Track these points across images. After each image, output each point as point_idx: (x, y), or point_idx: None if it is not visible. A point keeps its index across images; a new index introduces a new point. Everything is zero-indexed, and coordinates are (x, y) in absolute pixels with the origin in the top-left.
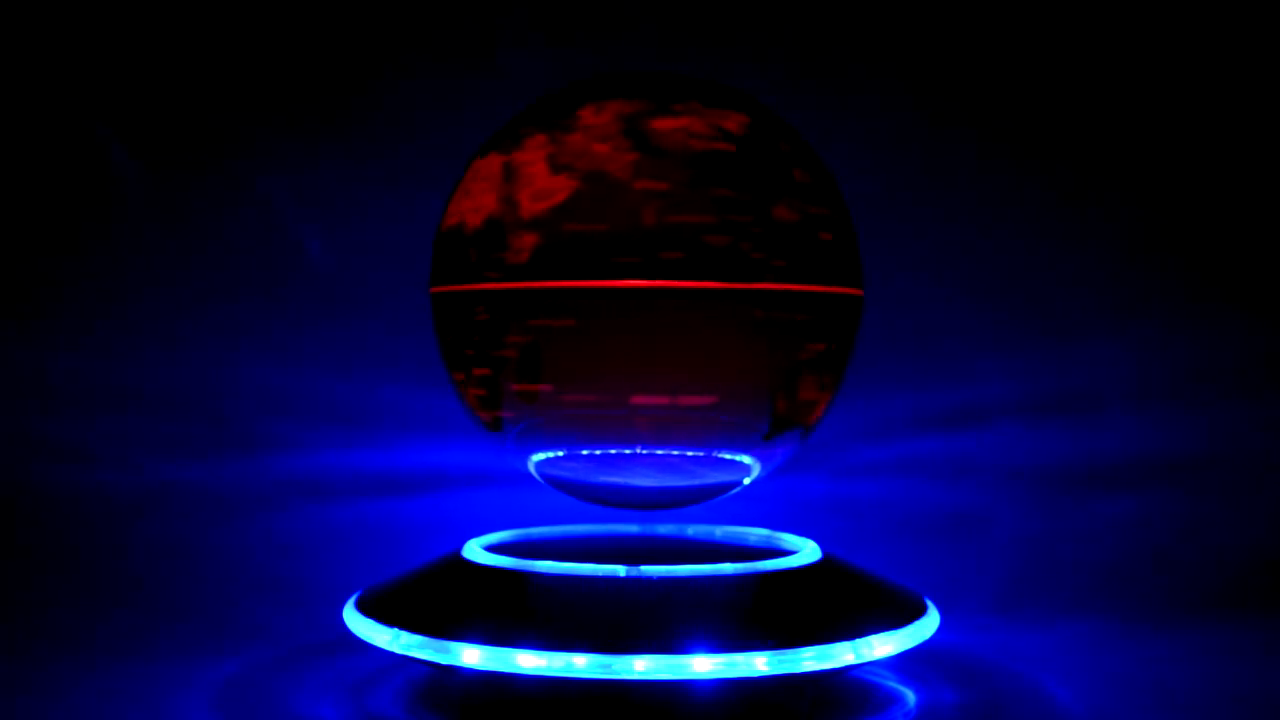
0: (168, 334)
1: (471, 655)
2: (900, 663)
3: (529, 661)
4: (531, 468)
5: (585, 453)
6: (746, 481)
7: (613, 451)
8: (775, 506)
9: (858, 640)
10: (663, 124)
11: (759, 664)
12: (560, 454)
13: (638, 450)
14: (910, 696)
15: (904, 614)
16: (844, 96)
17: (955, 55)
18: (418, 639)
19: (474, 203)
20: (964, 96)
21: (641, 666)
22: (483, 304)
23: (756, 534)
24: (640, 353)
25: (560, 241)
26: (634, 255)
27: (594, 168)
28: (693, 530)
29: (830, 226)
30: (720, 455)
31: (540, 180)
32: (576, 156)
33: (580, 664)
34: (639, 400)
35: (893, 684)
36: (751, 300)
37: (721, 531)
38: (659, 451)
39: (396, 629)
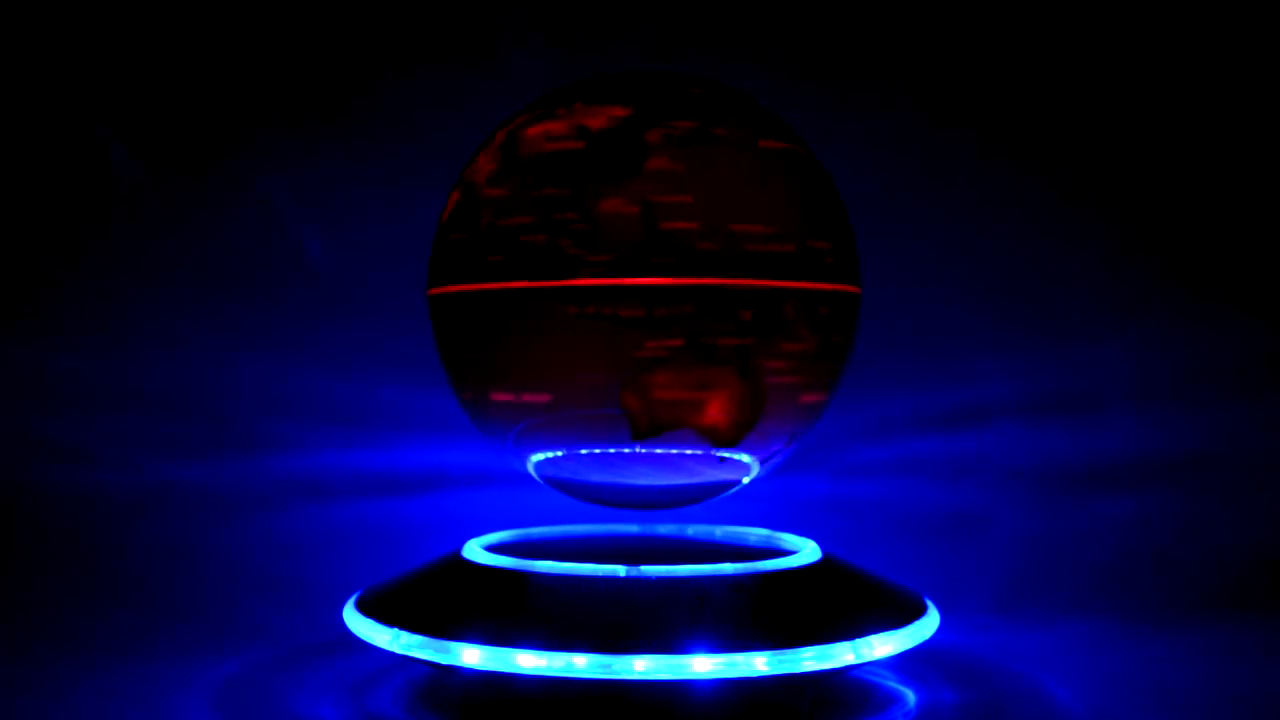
0: (168, 334)
1: (471, 655)
2: (900, 663)
3: (529, 661)
4: (531, 468)
5: (585, 452)
6: (746, 481)
7: (612, 451)
8: (775, 506)
9: (858, 640)
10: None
11: (759, 664)
12: (560, 454)
13: (637, 450)
14: (910, 696)
15: (904, 614)
16: (844, 96)
17: (955, 55)
18: (418, 639)
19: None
20: (964, 96)
21: (641, 666)
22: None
23: (756, 534)
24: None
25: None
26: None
27: None
28: (693, 530)
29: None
30: (720, 455)
31: None
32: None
33: (580, 664)
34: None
35: (893, 684)
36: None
37: (721, 531)
38: (658, 451)
39: (396, 629)
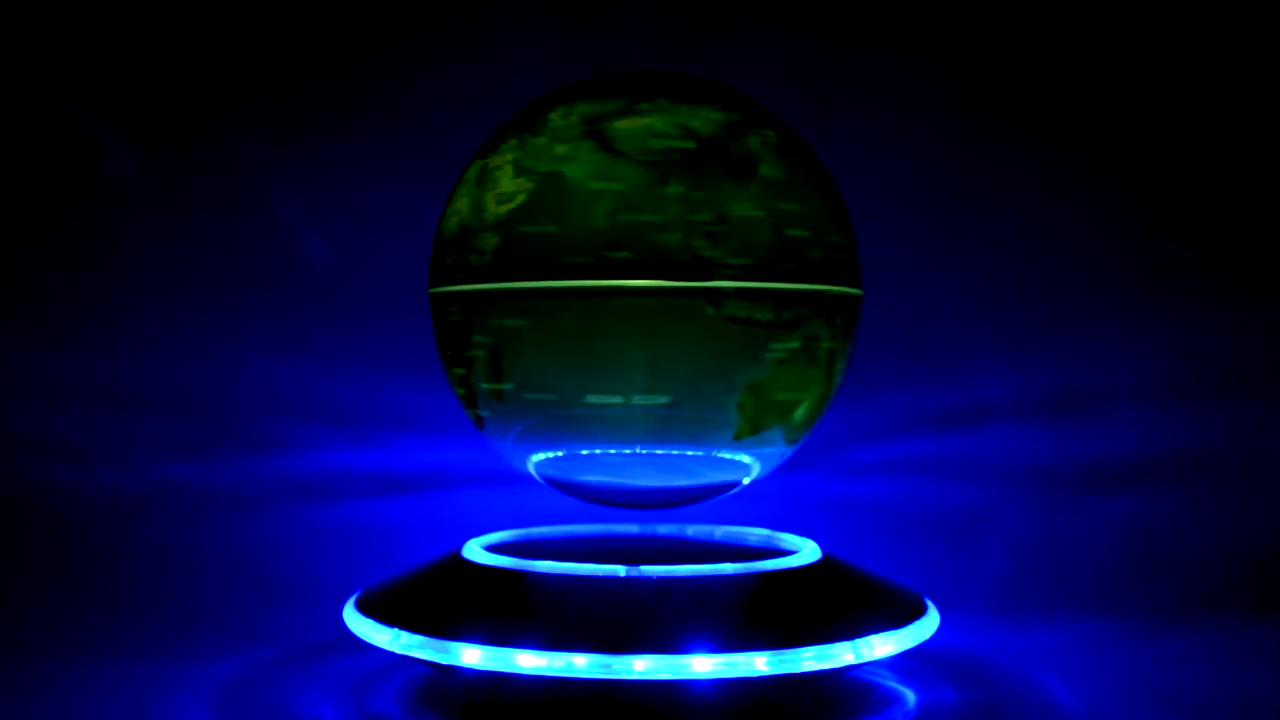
0: (168, 334)
1: (471, 655)
2: (900, 663)
3: (529, 661)
4: (531, 468)
5: (585, 452)
6: (746, 481)
7: (612, 451)
8: (775, 506)
9: (858, 640)
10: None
11: (759, 664)
12: (560, 454)
13: (637, 450)
14: (910, 696)
15: (904, 614)
16: (844, 96)
17: (956, 55)
18: (418, 639)
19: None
20: (965, 96)
21: (641, 666)
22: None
23: (756, 534)
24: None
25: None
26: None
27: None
28: (693, 530)
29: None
30: (720, 455)
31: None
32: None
33: (580, 664)
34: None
35: (893, 684)
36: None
37: (721, 531)
38: (658, 451)
39: (396, 629)
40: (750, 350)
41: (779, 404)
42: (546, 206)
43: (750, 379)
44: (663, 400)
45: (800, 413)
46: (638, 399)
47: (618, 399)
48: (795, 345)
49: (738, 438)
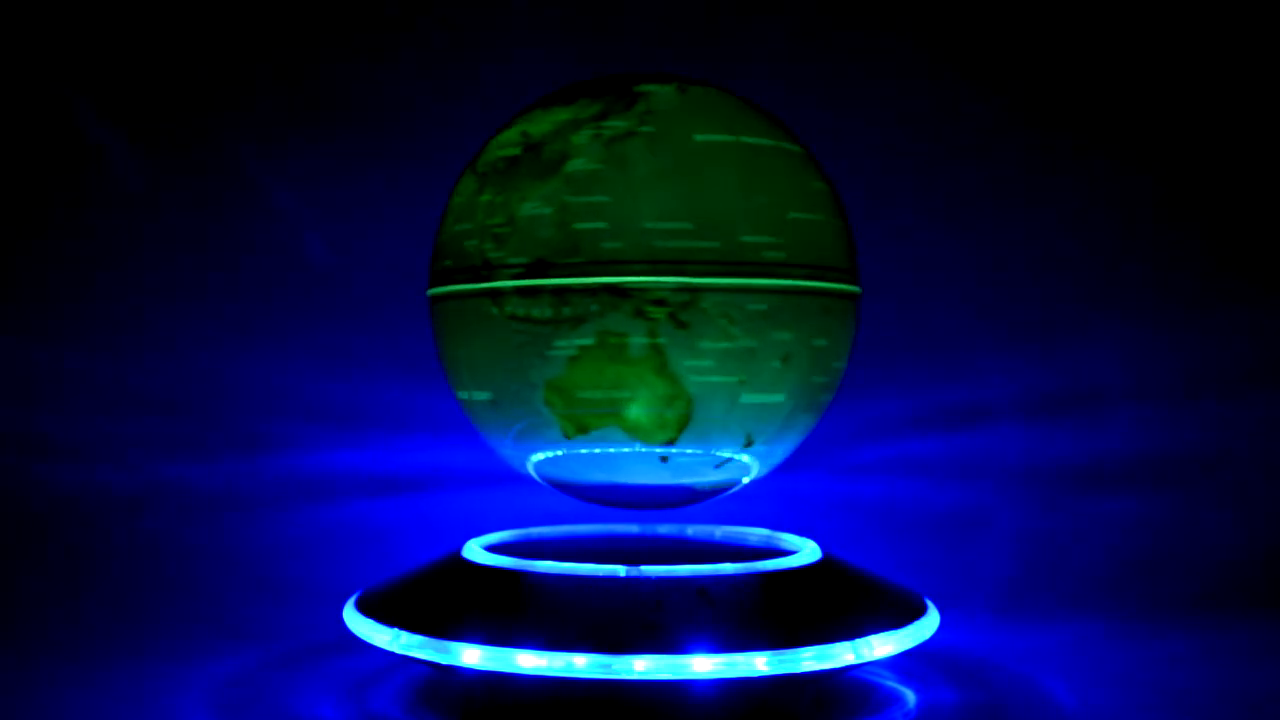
0: (168, 334)
1: (471, 655)
2: (900, 663)
3: (529, 661)
4: (531, 468)
5: (585, 452)
6: (746, 481)
7: (612, 451)
8: (775, 506)
9: (858, 640)
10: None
11: (759, 664)
12: (560, 454)
13: (637, 450)
14: (910, 696)
15: (904, 614)
16: (845, 95)
17: (956, 54)
18: (418, 639)
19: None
20: (965, 96)
21: (641, 666)
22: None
23: (756, 534)
24: None
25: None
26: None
27: None
28: (693, 530)
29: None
30: (720, 454)
31: None
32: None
33: (580, 664)
34: None
35: (893, 684)
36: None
37: (721, 531)
38: (659, 451)
39: (396, 629)
40: (536, 347)
41: (591, 402)
42: None
43: (546, 377)
44: (485, 396)
45: (636, 412)
46: (476, 394)
47: (464, 394)
48: (587, 342)
49: (568, 436)
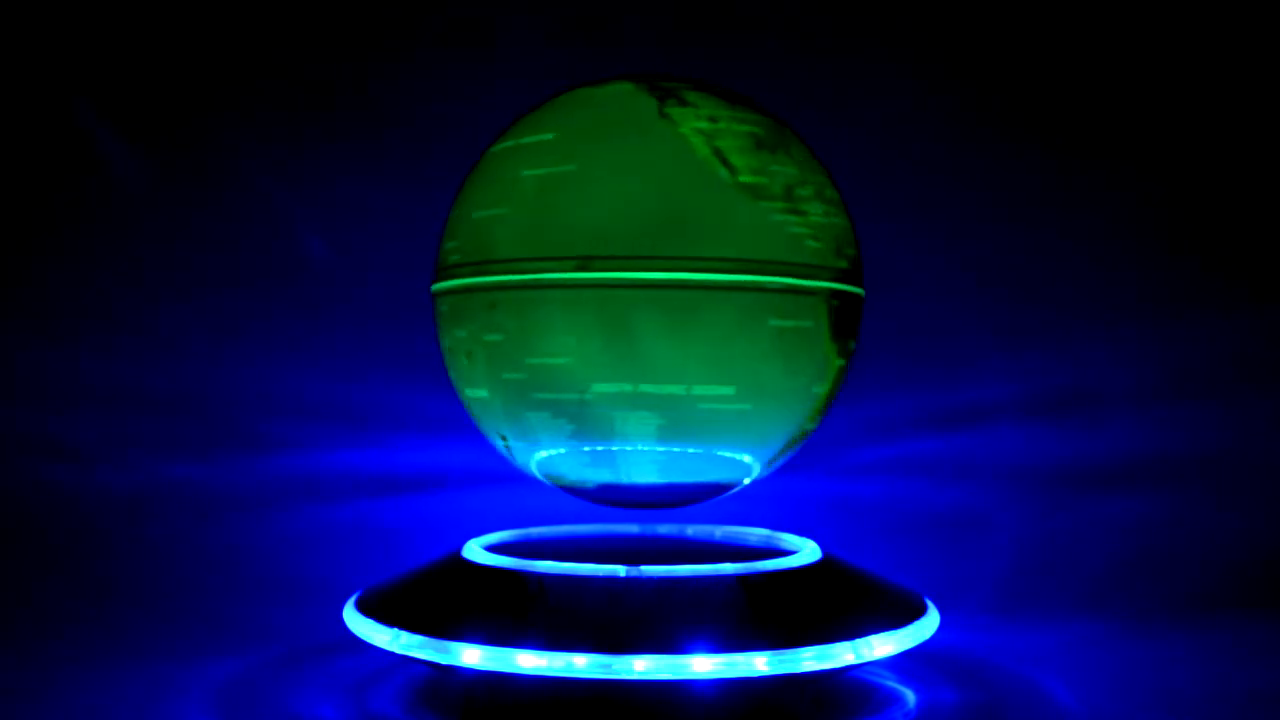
0: (168, 334)
1: (471, 655)
2: (900, 663)
3: (529, 661)
4: (532, 468)
5: (586, 450)
6: (746, 481)
7: (614, 449)
8: (775, 506)
9: (858, 640)
10: None
11: (759, 664)
12: (561, 452)
13: (638, 449)
14: (910, 696)
15: (904, 614)
16: (845, 95)
17: (956, 54)
18: (418, 639)
19: None
20: (965, 95)
21: (641, 666)
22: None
23: (756, 534)
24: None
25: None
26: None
27: None
28: (693, 530)
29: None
30: (720, 454)
31: None
32: None
33: (580, 664)
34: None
35: (893, 684)
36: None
37: (721, 531)
38: (659, 450)
39: (396, 629)
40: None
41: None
42: None
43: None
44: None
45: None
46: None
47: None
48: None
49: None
